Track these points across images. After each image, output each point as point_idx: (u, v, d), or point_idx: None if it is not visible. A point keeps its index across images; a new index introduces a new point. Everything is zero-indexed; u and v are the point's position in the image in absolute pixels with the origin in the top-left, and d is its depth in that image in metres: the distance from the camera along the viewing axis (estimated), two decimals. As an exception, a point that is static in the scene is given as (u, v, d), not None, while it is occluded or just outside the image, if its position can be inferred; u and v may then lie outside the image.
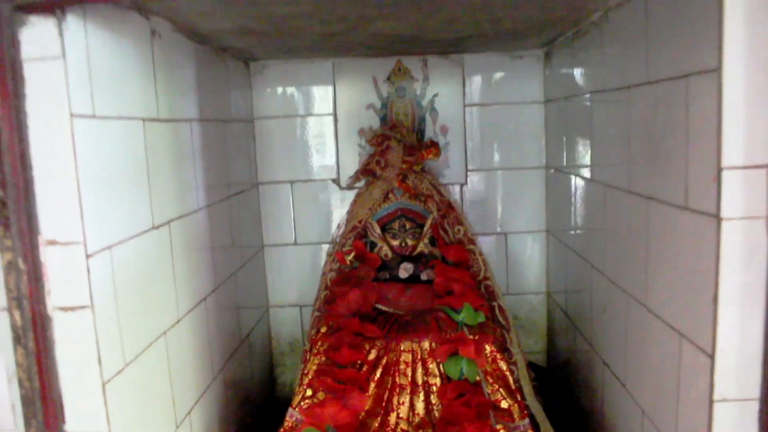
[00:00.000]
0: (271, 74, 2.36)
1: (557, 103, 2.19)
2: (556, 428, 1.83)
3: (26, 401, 1.11)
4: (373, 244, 2.05)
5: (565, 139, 2.11)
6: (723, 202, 1.04)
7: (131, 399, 1.26)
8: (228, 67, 2.08)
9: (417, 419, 1.69)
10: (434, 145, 2.03)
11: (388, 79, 2.35)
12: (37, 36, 1.05)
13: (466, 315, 1.77)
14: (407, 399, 1.71)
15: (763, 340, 1.06)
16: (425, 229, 2.01)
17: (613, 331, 1.66)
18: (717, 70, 1.02)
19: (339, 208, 2.42)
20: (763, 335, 1.06)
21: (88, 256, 1.11)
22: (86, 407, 1.14)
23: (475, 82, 2.37)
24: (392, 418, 1.69)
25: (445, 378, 1.72)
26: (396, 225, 2.02)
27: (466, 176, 2.41)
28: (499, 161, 2.42)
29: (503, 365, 1.74)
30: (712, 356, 1.09)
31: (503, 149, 2.41)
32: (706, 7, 1.05)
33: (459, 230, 1.98)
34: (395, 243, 2.01)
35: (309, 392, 1.70)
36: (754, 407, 1.09)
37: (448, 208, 2.00)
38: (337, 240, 2.11)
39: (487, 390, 1.68)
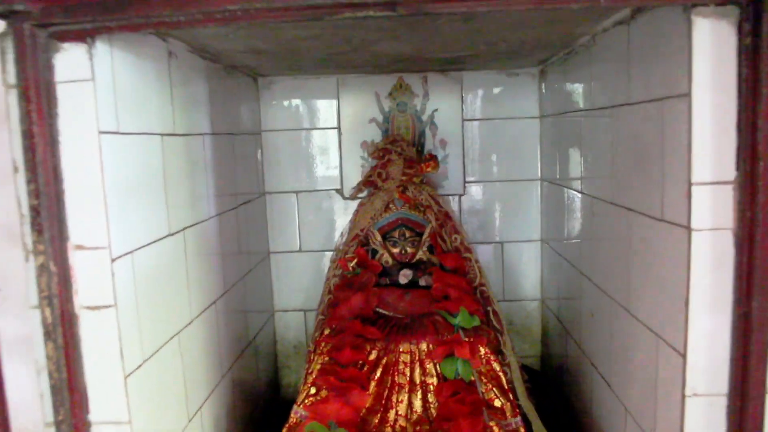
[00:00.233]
0: (278, 89, 2.45)
1: (551, 118, 2.29)
2: (549, 429, 1.90)
3: (55, 391, 1.21)
4: (374, 252, 2.13)
5: (558, 153, 2.20)
6: (693, 214, 1.14)
7: (149, 392, 1.35)
8: (237, 83, 2.18)
9: (415, 416, 1.78)
10: (433, 158, 2.12)
11: (390, 94, 2.44)
12: (69, 61, 1.15)
13: (461, 318, 1.84)
14: (406, 397, 1.80)
15: (730, 340, 1.15)
16: (424, 237, 2.08)
17: (600, 334, 1.75)
18: (687, 95, 1.12)
19: (342, 217, 2.49)
20: (730, 336, 1.15)
21: (112, 260, 1.21)
22: (109, 398, 1.24)
23: (473, 98, 2.45)
24: (391, 415, 1.78)
25: (442, 377, 1.80)
26: (396, 234, 2.09)
27: (465, 187, 2.50)
28: (496, 173, 2.50)
29: (497, 366, 1.82)
30: (684, 355, 1.18)
31: (500, 162, 2.49)
32: (678, 38, 1.15)
33: (456, 239, 2.06)
34: (395, 250, 2.09)
35: (313, 390, 1.78)
36: (723, 402, 1.17)
37: (445, 218, 2.08)
38: (341, 247, 2.18)
39: (481, 389, 1.76)
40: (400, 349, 1.85)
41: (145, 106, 1.40)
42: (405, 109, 2.44)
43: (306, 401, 1.77)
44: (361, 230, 2.11)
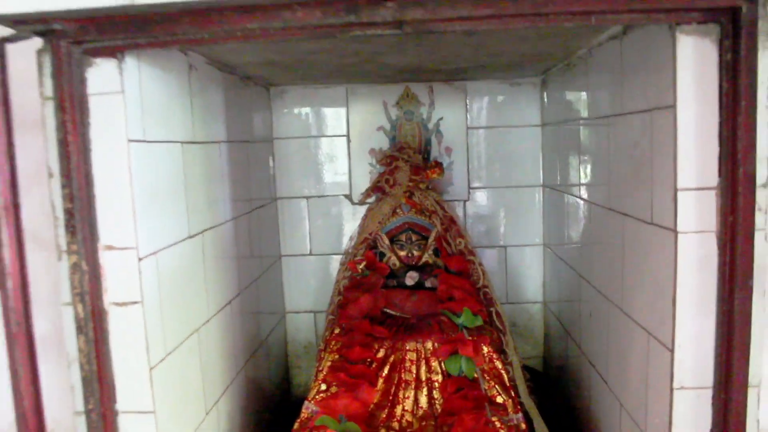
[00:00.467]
0: (289, 98, 2.54)
1: (552, 127, 2.37)
2: (550, 428, 1.97)
3: (85, 382, 1.29)
4: (382, 255, 2.20)
5: (558, 160, 2.28)
6: (679, 218, 1.22)
7: (171, 385, 1.44)
8: (251, 93, 2.27)
9: (420, 412, 1.86)
10: (438, 165, 2.20)
11: (397, 103, 2.52)
12: (101, 74, 1.25)
13: (465, 318, 1.92)
14: (412, 393, 1.87)
15: (715, 335, 1.23)
16: (429, 241, 2.16)
17: (597, 334, 1.83)
18: (673, 106, 1.21)
19: (350, 221, 2.57)
20: (715, 332, 1.23)
21: (139, 260, 1.30)
22: (135, 389, 1.32)
23: (477, 106, 2.53)
24: (398, 410, 1.85)
25: (446, 374, 1.87)
26: (403, 237, 2.17)
27: (469, 193, 2.58)
28: (499, 180, 2.57)
29: (499, 364, 1.90)
30: (672, 350, 1.26)
31: (503, 168, 2.56)
32: (664, 53, 1.24)
33: (460, 242, 2.14)
34: (402, 253, 2.17)
35: (323, 386, 1.86)
36: (708, 394, 1.25)
37: (450, 223, 2.16)
38: (350, 251, 2.26)
39: (484, 386, 1.84)
40: (407, 348, 1.92)
41: (168, 115, 1.49)
42: (411, 118, 2.52)
43: (317, 396, 1.85)
44: (370, 234, 2.19)
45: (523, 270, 2.64)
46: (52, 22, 1.16)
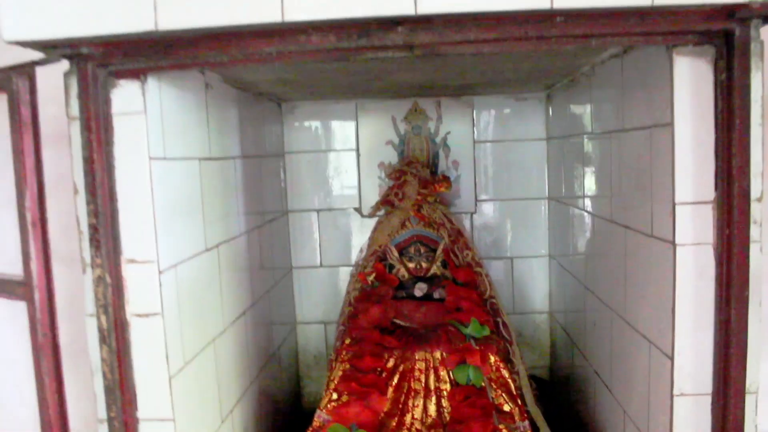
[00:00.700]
0: (300, 113, 2.59)
1: (557, 140, 2.42)
2: (556, 435, 2.02)
3: (108, 390, 1.34)
4: (391, 266, 2.25)
5: (563, 173, 2.33)
6: (677, 231, 1.28)
7: (189, 394, 1.49)
8: (263, 108, 2.33)
9: (429, 420, 1.90)
10: (446, 179, 2.25)
11: (406, 118, 2.56)
12: (124, 95, 1.31)
13: (473, 328, 1.96)
14: (421, 402, 1.91)
15: (713, 343, 1.28)
16: (437, 253, 2.21)
17: (602, 343, 1.87)
18: (670, 124, 1.26)
19: (360, 234, 2.61)
20: (713, 340, 1.28)
21: (160, 272, 1.36)
22: (155, 397, 1.37)
23: (484, 121, 2.58)
24: (408, 418, 1.89)
25: (454, 383, 1.91)
26: (412, 249, 2.22)
27: (476, 206, 2.62)
28: (505, 192, 2.61)
29: (506, 373, 1.94)
30: (671, 358, 1.31)
31: (509, 181, 2.61)
32: (662, 73, 1.29)
33: (467, 254, 2.18)
34: (411, 265, 2.22)
35: (335, 395, 1.90)
36: (707, 400, 1.30)
37: (458, 235, 2.21)
38: (360, 262, 2.30)
39: (491, 394, 1.88)
40: (416, 357, 1.96)
41: (187, 133, 1.55)
42: (420, 132, 2.57)
43: (329, 405, 1.89)
44: (379, 246, 2.23)
45: (529, 281, 2.68)
46: (80, 46, 1.23)
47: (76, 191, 1.32)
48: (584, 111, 1.99)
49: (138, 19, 1.17)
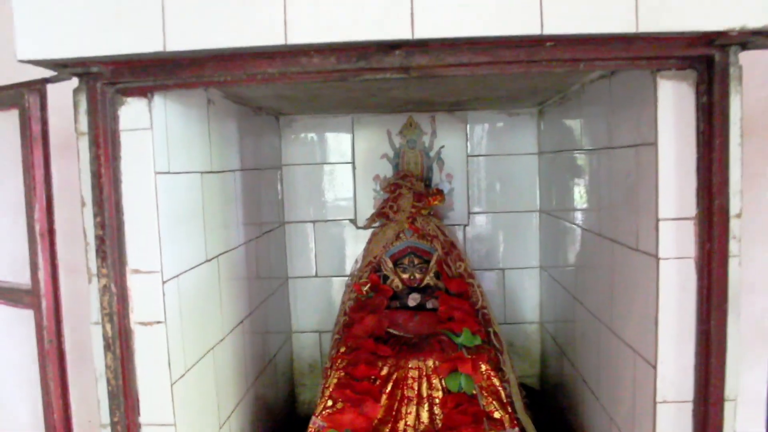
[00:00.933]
0: (298, 127, 2.64)
1: (548, 155, 2.48)
2: (545, 442, 2.07)
3: (112, 396, 1.39)
4: (386, 277, 2.29)
5: (554, 187, 2.39)
6: (660, 245, 1.33)
7: (189, 400, 1.53)
8: (261, 122, 2.38)
9: (422, 427, 1.94)
10: (439, 192, 2.30)
11: (401, 132, 2.61)
12: (132, 112, 1.36)
13: (464, 338, 2.01)
14: (414, 409, 1.96)
15: (694, 353, 1.34)
16: (431, 264, 2.26)
17: (590, 353, 1.93)
18: (654, 143, 1.32)
19: (354, 245, 2.66)
20: (694, 349, 1.34)
21: (163, 282, 1.41)
22: (157, 403, 1.42)
23: (477, 135, 2.63)
24: (401, 425, 1.94)
25: (446, 391, 1.96)
26: (406, 261, 2.27)
27: (469, 218, 2.67)
28: (498, 205, 2.66)
29: (496, 382, 1.98)
30: (655, 367, 1.37)
31: (502, 195, 2.66)
32: (647, 94, 1.35)
33: (460, 266, 2.23)
34: (405, 276, 2.26)
35: (330, 402, 1.95)
36: (689, 407, 1.36)
37: (451, 247, 2.26)
38: (355, 273, 2.35)
39: (482, 402, 1.92)
40: (409, 366, 2.00)
41: (190, 148, 1.60)
42: (414, 146, 2.61)
43: (324, 412, 1.94)
44: (374, 257, 2.28)
45: (520, 292, 2.72)
46: (90, 65, 1.28)
47: (83, 204, 1.37)
48: (575, 127, 2.05)
49: (147, 40, 1.22)
